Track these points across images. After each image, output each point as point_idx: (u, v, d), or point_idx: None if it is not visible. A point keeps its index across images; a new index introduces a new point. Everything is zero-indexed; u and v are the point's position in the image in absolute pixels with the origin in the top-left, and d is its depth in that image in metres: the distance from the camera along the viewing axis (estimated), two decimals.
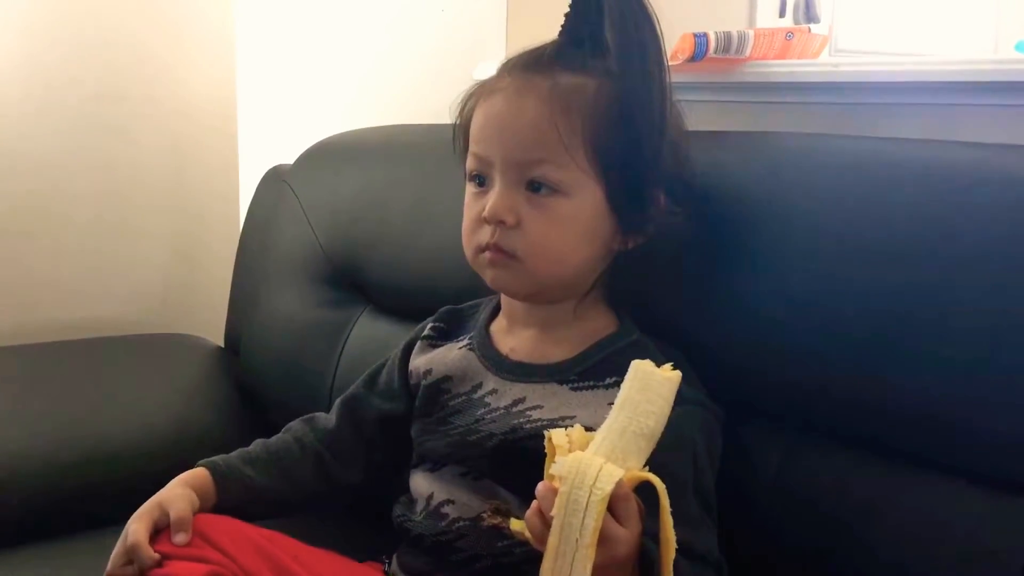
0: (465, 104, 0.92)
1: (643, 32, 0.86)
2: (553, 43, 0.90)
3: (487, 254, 0.87)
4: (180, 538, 0.84)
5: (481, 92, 0.90)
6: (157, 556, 0.82)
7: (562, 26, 0.90)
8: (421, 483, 0.93)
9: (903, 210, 0.83)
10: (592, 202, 0.86)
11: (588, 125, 0.85)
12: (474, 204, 0.89)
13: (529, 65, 0.88)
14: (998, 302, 0.76)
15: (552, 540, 0.67)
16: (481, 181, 0.89)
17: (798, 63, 1.21)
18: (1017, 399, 0.75)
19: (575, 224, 0.86)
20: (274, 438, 1.00)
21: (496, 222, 0.86)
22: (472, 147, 0.89)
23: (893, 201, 0.84)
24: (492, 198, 0.86)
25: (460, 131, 0.93)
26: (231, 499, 0.92)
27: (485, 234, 0.87)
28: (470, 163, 0.90)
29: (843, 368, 0.84)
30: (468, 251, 0.90)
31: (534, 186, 0.85)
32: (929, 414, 0.79)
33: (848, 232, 0.85)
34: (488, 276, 0.89)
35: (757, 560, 0.87)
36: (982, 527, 0.77)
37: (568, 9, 0.90)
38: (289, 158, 1.48)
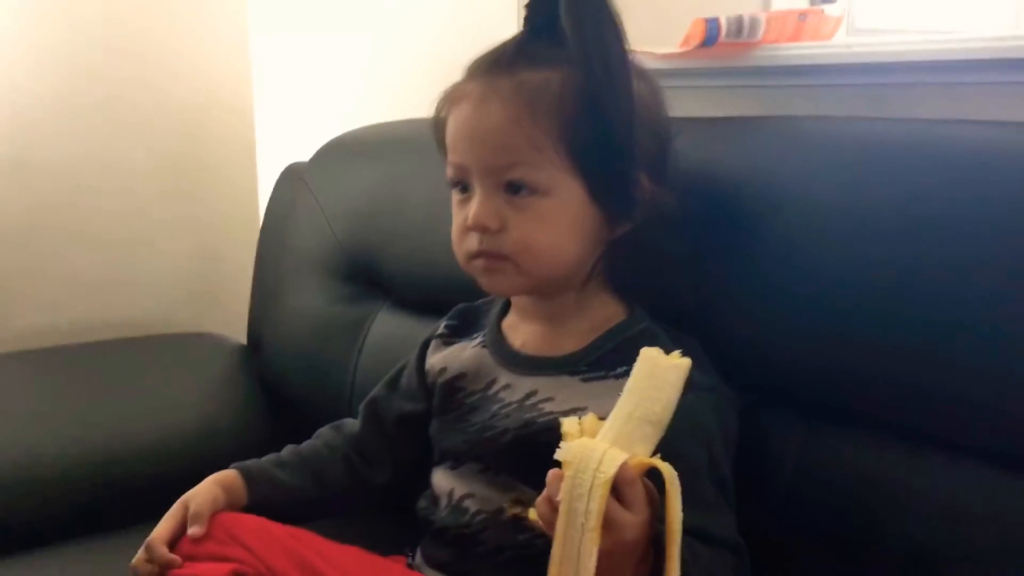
0: (439, 112, 0.91)
1: (598, 13, 0.84)
2: (515, 38, 0.88)
3: (479, 261, 0.87)
4: (193, 530, 0.86)
5: (451, 98, 0.89)
6: (171, 556, 0.85)
7: (524, 18, 0.88)
8: (442, 480, 0.93)
9: (922, 190, 0.82)
10: (573, 197, 0.85)
11: (557, 121, 0.83)
12: (459, 212, 0.89)
13: (491, 67, 0.87)
14: (1021, 281, 0.75)
15: (559, 525, 0.67)
16: (463, 188, 0.88)
17: (810, 45, 1.20)
18: None
19: (559, 221, 0.85)
20: (304, 444, 1.02)
21: (480, 229, 0.86)
22: (449, 156, 0.89)
23: (912, 182, 0.83)
24: (474, 206, 0.86)
25: (438, 137, 0.92)
26: (261, 499, 0.93)
27: (473, 241, 0.87)
28: (449, 172, 0.89)
29: (862, 349, 0.83)
30: (459, 258, 0.90)
31: (513, 188, 0.85)
32: (953, 395, 0.78)
33: (867, 213, 0.84)
34: (483, 282, 0.90)
35: (777, 545, 0.87)
36: (1007, 508, 0.76)
37: None
38: (307, 155, 1.49)
